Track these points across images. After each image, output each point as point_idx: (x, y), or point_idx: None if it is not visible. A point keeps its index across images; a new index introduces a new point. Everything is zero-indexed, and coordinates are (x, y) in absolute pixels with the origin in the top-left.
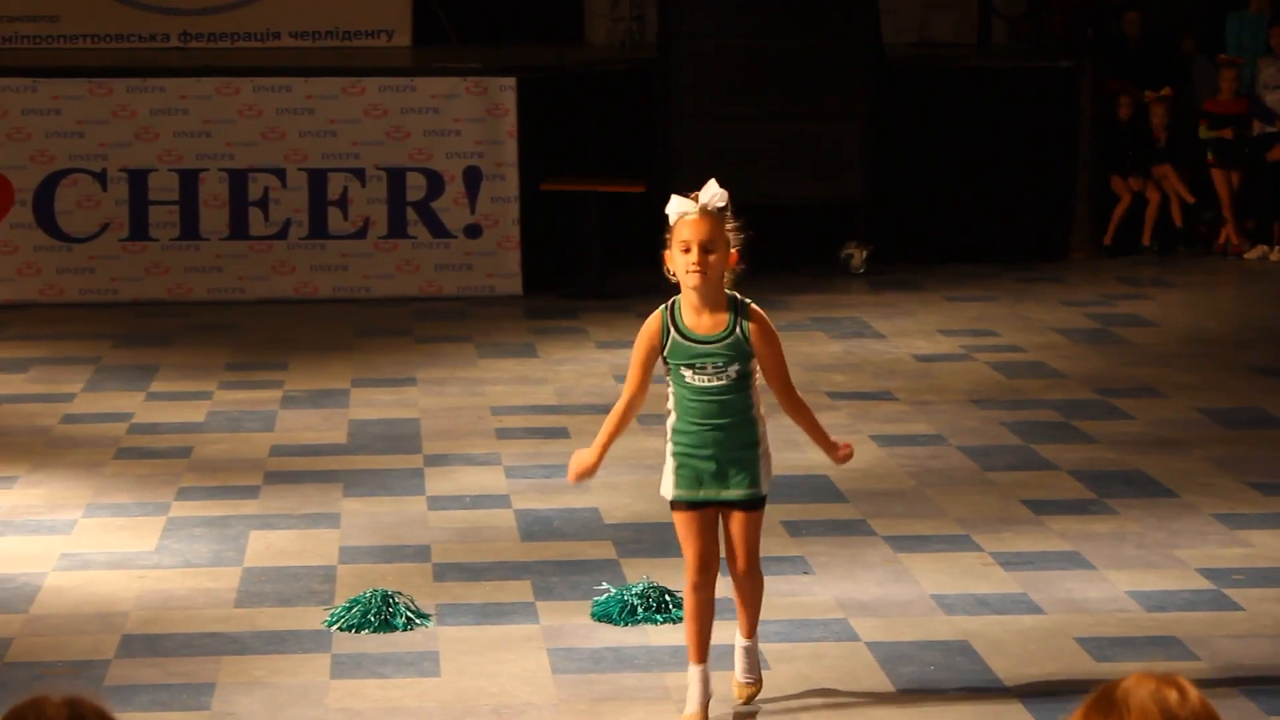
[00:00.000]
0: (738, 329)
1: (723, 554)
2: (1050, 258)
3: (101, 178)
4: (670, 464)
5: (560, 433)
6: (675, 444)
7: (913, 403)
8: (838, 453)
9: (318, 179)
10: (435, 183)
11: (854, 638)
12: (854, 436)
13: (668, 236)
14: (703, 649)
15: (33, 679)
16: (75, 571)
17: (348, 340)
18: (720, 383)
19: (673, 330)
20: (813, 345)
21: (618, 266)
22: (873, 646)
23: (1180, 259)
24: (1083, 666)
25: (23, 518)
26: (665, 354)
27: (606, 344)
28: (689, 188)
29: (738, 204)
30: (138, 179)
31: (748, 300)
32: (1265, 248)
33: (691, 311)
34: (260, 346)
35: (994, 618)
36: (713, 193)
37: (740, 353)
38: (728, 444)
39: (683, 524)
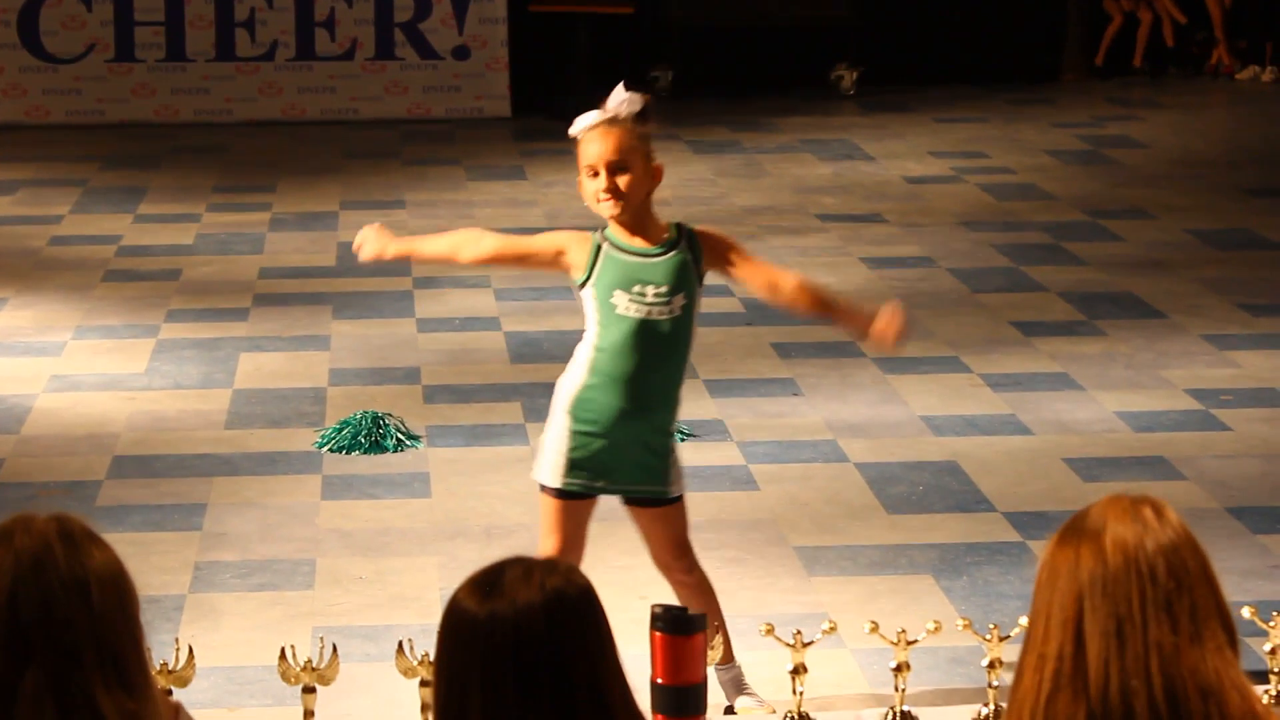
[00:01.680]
0: (684, 244)
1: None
2: (1041, 79)
3: None
4: (559, 442)
5: None
6: (575, 416)
7: (902, 225)
8: (880, 325)
9: (304, 0)
10: (423, 4)
11: (843, 459)
12: (844, 258)
13: (579, 160)
14: None
15: (25, 499)
16: (65, 393)
17: (336, 162)
18: (663, 317)
19: (605, 245)
20: (802, 167)
21: (607, 88)
22: (861, 467)
23: (1171, 80)
24: (1070, 487)
25: (12, 339)
26: (590, 279)
27: None
28: (676, 9)
29: (728, 25)
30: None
31: (693, 226)
32: (1257, 68)
33: (624, 233)
34: (248, 169)
35: (982, 438)
36: (620, 99)
37: (687, 278)
38: (643, 426)
39: (554, 512)
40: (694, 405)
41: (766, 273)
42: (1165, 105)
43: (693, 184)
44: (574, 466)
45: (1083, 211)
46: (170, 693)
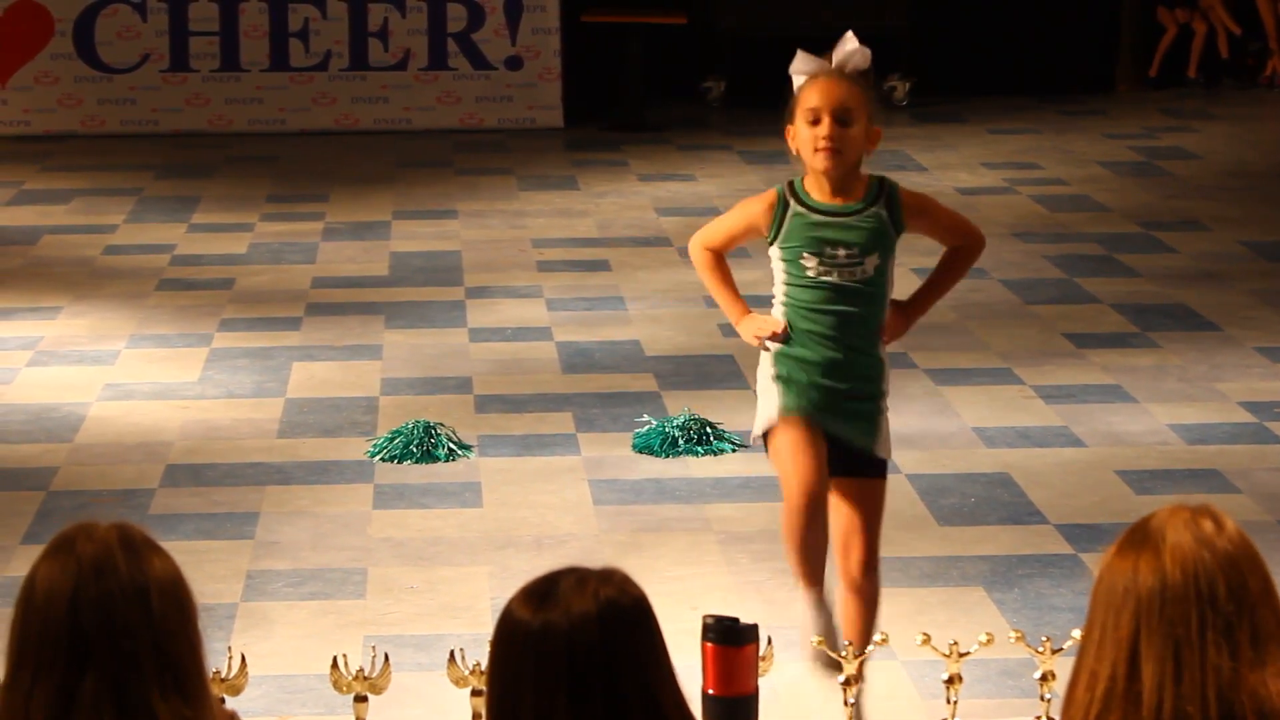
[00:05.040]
0: (882, 202)
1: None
2: (1094, 90)
3: (141, 8)
4: (772, 389)
5: (601, 265)
6: (779, 366)
7: None
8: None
9: (357, 10)
10: (476, 14)
11: (894, 469)
12: (896, 269)
13: (792, 106)
14: (818, 575)
15: (77, 507)
16: (119, 401)
17: (388, 172)
18: (853, 281)
19: (792, 203)
20: None
21: (659, 98)
22: (913, 479)
23: (1225, 91)
24: (1123, 499)
25: (66, 348)
26: (778, 239)
27: (648, 176)
28: (729, 19)
29: (780, 35)
30: (177, 9)
31: (896, 182)
32: None
33: (818, 192)
34: (301, 178)
35: (1035, 450)
36: (850, 49)
37: (883, 238)
38: (847, 374)
39: (787, 435)
40: (745, 415)
41: (957, 222)
42: (1219, 116)
43: (745, 194)
44: (790, 406)
45: (1136, 223)
46: (223, 701)
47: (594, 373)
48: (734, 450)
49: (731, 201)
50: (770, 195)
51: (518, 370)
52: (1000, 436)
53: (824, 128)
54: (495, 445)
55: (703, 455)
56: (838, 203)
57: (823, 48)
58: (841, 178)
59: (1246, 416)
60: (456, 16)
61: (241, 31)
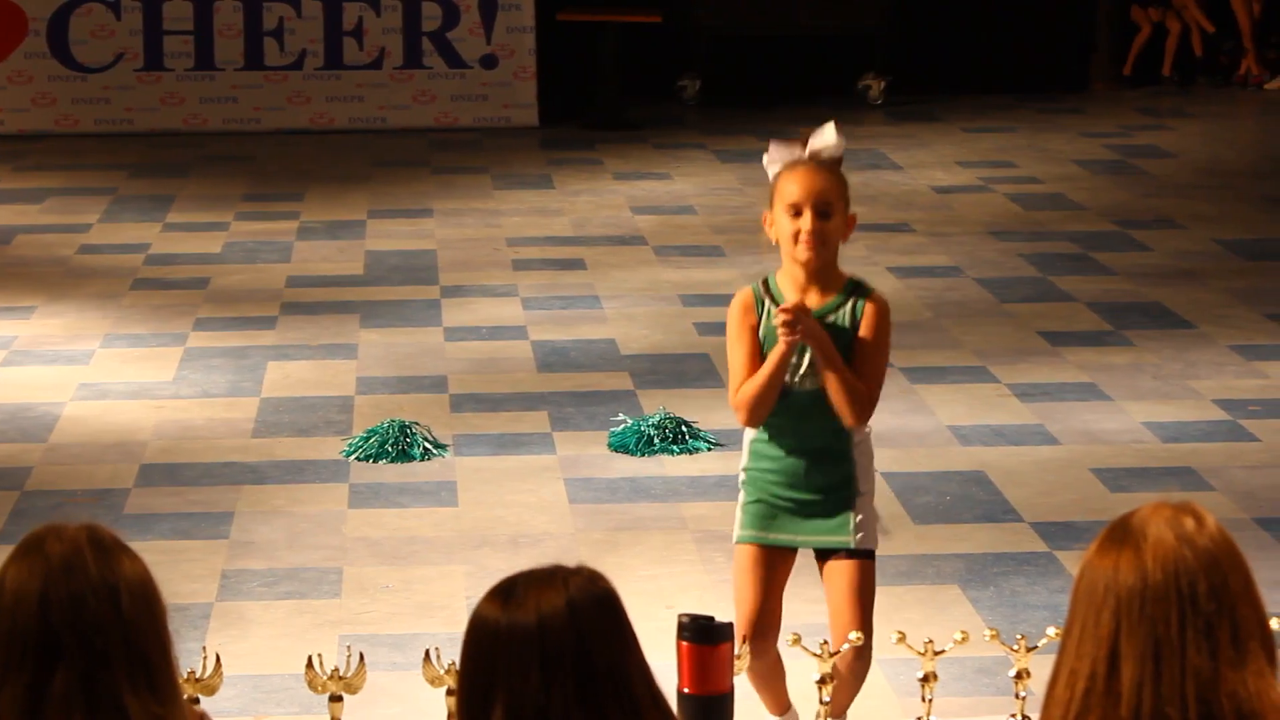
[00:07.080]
0: (849, 307)
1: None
2: (1069, 88)
3: (115, 7)
4: (741, 498)
5: (577, 264)
6: (750, 470)
7: (930, 234)
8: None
9: (332, 9)
10: (451, 12)
11: None
12: (871, 268)
13: (770, 194)
14: (783, 699)
15: (52, 508)
16: (93, 401)
17: (364, 171)
18: (813, 386)
19: (768, 303)
20: None
21: (634, 97)
22: (889, 477)
23: (1200, 89)
24: (1098, 497)
25: (40, 347)
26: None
27: (623, 175)
28: (705, 17)
29: (756, 34)
30: (151, 8)
31: (871, 286)
32: None
33: (794, 288)
34: (276, 177)
35: (1010, 448)
36: (826, 140)
37: (845, 343)
38: (814, 482)
39: (740, 563)
40: (721, 414)
41: (869, 377)
42: (1194, 115)
43: (720, 193)
44: (745, 536)
45: (1111, 221)
46: (197, 701)
47: (569, 371)
48: (709, 449)
49: (706, 199)
50: (747, 297)
51: (493, 369)
52: (975, 435)
53: (806, 221)
54: (471, 444)
55: (678, 454)
56: (813, 304)
57: (797, 47)
58: (820, 270)
59: (1221, 414)
60: (431, 15)
61: (216, 30)
